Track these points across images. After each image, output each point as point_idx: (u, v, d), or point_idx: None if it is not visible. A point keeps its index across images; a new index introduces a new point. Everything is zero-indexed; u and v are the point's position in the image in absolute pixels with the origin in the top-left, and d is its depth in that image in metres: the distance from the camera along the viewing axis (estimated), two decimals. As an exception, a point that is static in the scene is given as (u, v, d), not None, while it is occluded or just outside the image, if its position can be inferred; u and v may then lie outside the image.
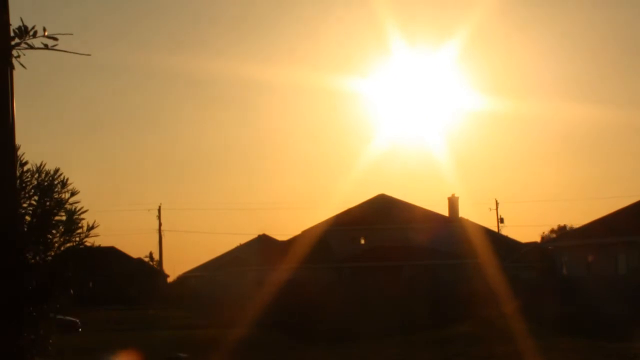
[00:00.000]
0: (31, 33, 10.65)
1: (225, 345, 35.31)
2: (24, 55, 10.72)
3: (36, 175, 11.40)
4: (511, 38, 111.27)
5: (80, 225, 11.47)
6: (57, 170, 11.46)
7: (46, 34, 10.68)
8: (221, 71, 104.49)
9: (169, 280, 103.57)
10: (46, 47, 10.67)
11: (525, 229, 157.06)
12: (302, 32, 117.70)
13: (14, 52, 10.63)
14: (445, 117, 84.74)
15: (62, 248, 11.37)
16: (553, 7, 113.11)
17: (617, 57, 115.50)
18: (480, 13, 75.17)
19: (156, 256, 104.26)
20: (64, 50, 10.62)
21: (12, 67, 10.53)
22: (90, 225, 11.52)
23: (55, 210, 11.37)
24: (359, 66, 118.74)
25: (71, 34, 10.73)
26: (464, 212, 76.14)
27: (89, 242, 11.54)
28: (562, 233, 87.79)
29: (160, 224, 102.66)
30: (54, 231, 11.39)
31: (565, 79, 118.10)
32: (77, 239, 11.44)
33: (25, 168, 11.39)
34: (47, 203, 11.37)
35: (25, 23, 10.66)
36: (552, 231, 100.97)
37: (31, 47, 10.69)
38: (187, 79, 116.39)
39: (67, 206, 11.42)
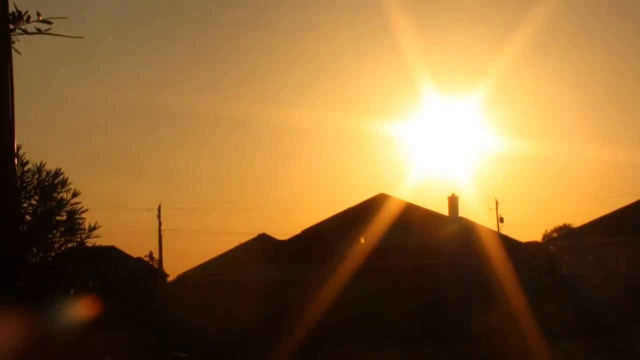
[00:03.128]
0: (25, 18, 10.56)
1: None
2: (18, 41, 10.63)
3: (37, 175, 11.33)
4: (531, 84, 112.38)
5: (81, 226, 11.40)
6: (58, 170, 11.39)
7: (40, 18, 10.59)
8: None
9: (169, 279, 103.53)
10: (39, 31, 10.58)
11: (525, 228, 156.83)
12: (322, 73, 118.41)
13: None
14: (449, 127, 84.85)
15: (63, 248, 11.28)
16: (578, 52, 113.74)
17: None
18: (508, 59, 76.09)
19: (156, 255, 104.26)
20: (57, 34, 10.53)
21: (12, 57, 10.42)
22: (92, 225, 11.44)
23: (56, 211, 11.29)
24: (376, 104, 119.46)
25: (65, 18, 10.65)
26: (464, 212, 76.08)
27: (90, 242, 11.46)
28: (563, 232, 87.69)
29: (160, 223, 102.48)
30: (54, 231, 11.32)
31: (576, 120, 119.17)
32: (78, 239, 11.36)
33: (26, 168, 11.31)
34: (48, 203, 11.29)
35: (19, 8, 10.57)
36: (554, 230, 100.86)
37: (26, 32, 10.60)
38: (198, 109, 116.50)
39: (68, 207, 11.34)
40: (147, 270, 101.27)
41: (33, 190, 11.46)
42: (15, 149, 10.96)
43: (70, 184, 11.56)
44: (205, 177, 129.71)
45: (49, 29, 10.49)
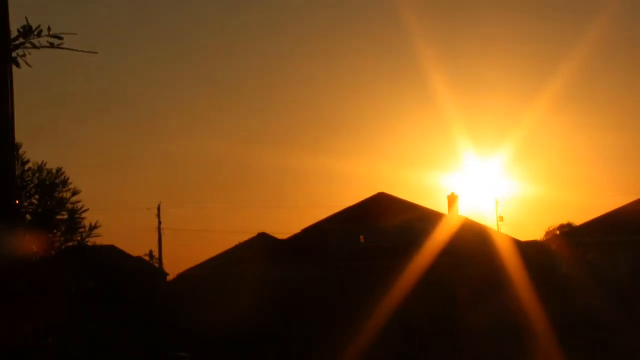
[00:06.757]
0: (36, 32, 10.55)
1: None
2: (29, 54, 10.61)
3: (37, 174, 11.30)
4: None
5: (82, 225, 11.38)
6: (59, 170, 11.37)
7: (51, 33, 10.57)
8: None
9: (169, 278, 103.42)
10: (52, 45, 10.55)
11: (525, 227, 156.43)
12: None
13: (20, 52, 10.53)
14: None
15: (64, 247, 11.27)
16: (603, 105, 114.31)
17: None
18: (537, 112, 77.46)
19: (156, 255, 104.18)
20: (69, 49, 10.51)
21: (16, 64, 10.41)
22: (93, 224, 11.43)
23: (57, 210, 11.27)
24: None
25: (75, 34, 10.63)
26: (463, 211, 76.03)
27: (90, 241, 11.44)
28: (563, 232, 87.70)
29: (160, 223, 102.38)
30: (55, 230, 11.30)
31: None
32: (79, 238, 11.35)
33: (27, 167, 11.29)
34: (49, 202, 11.28)
35: (30, 23, 10.55)
36: (557, 228, 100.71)
37: (35, 47, 10.58)
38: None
39: (69, 206, 11.32)
40: (147, 270, 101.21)
41: (34, 190, 11.44)
42: (15, 148, 10.95)
43: (71, 183, 11.55)
44: (205, 176, 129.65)
45: (62, 43, 10.45)
